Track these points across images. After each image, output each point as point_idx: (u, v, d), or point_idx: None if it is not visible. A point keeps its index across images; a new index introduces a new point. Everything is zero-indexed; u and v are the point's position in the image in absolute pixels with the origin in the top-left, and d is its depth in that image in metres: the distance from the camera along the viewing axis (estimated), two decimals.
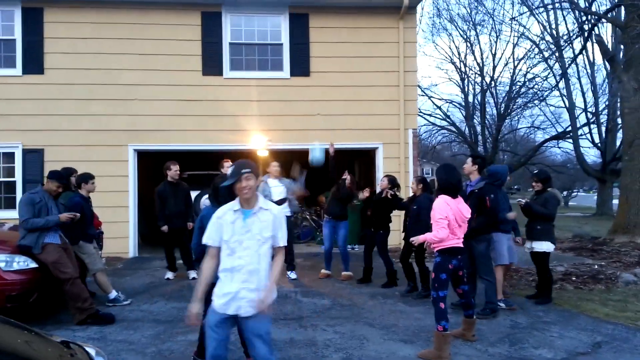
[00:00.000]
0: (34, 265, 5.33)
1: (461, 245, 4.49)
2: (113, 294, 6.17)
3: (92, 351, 2.59)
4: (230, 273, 3.01)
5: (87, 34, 9.90)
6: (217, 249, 3.07)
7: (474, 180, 5.76)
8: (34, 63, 9.80)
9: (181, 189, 7.77)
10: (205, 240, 3.10)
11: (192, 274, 7.68)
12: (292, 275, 7.71)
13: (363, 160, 12.91)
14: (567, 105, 23.80)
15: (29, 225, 5.31)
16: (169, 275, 7.80)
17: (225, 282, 3.03)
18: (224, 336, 3.06)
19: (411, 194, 7.17)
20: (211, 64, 10.20)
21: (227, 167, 7.38)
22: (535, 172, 7.12)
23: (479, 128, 28.03)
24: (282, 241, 3.10)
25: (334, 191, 7.88)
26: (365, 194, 7.64)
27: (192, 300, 3.07)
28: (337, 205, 7.77)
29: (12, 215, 9.10)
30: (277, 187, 7.63)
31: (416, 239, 4.70)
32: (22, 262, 5.29)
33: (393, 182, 7.19)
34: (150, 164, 11.77)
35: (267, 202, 3.20)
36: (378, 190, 7.63)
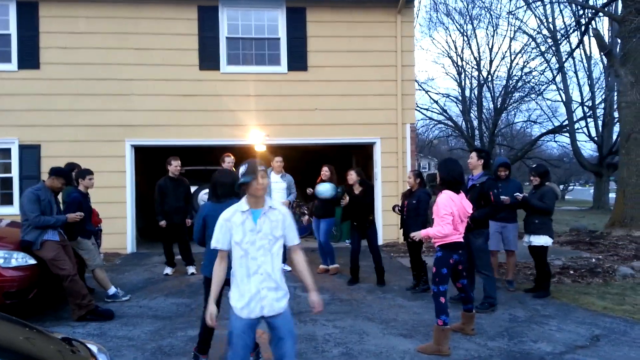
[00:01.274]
0: (32, 261, 5.32)
1: (462, 240, 4.51)
2: (112, 290, 6.16)
3: (94, 348, 2.58)
4: (246, 277, 2.97)
5: (83, 28, 9.83)
6: (227, 251, 3.04)
7: (477, 174, 5.75)
8: (29, 58, 9.72)
9: (182, 185, 7.71)
10: (214, 244, 3.04)
11: (191, 269, 7.69)
12: (286, 267, 7.68)
13: (361, 154, 12.89)
14: (564, 99, 23.87)
15: (40, 222, 5.29)
16: (168, 270, 7.78)
17: (242, 285, 2.99)
18: (251, 341, 3.05)
19: (407, 188, 7.13)
20: (208, 59, 10.14)
21: (228, 162, 7.39)
22: (534, 166, 7.14)
23: (475, 122, 28.06)
24: (296, 239, 3.12)
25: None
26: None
27: (208, 302, 3.07)
28: (321, 206, 7.58)
29: (9, 211, 9.11)
30: (278, 183, 7.61)
31: (417, 234, 4.67)
32: (20, 259, 5.27)
33: (360, 174, 7.15)
34: (148, 159, 11.74)
35: (275, 201, 3.18)
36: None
